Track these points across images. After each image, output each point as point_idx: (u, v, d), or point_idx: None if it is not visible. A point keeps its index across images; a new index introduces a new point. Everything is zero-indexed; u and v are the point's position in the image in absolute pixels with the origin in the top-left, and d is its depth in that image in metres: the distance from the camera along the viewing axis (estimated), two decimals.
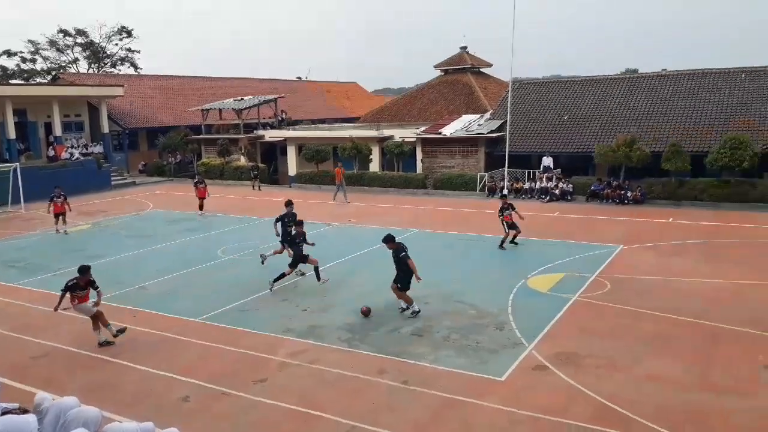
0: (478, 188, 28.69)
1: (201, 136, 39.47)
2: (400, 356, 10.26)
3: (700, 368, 9.49)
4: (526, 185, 27.47)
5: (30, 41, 59.24)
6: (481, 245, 18.47)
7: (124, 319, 12.15)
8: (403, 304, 12.31)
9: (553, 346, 10.45)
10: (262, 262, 15.44)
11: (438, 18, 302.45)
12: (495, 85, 43.76)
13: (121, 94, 39.24)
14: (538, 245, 17.93)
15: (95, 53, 62.64)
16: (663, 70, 32.70)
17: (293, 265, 14.25)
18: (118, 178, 36.82)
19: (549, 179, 26.98)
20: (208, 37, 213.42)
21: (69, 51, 61.68)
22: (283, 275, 14.04)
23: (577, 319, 11.84)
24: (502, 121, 30.77)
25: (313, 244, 14.72)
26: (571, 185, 26.49)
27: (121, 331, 11.16)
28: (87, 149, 37.05)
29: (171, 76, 50.44)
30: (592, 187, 25.96)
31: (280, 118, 42.36)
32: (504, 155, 27.72)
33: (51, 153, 34.52)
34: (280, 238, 15.43)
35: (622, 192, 24.99)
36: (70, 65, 61.25)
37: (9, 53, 57.31)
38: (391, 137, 33.32)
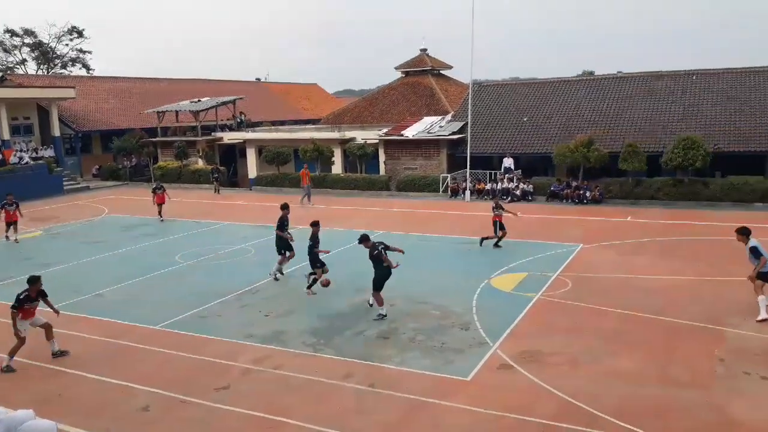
0: (441, 189, 28.86)
1: (157, 139, 38.66)
2: (366, 359, 10.19)
3: (659, 363, 9.70)
4: (488, 186, 27.77)
5: None
6: (445, 246, 18.55)
7: (81, 327, 11.71)
8: (372, 301, 12.32)
9: (517, 345, 10.54)
10: (276, 279, 15.15)
11: (398, 19, 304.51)
12: (456, 87, 44.11)
13: (73, 96, 38.11)
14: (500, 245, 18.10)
15: (44, 54, 60.73)
16: (618, 72, 33.55)
17: (314, 267, 13.94)
18: (71, 182, 35.71)
19: (510, 180, 27.33)
20: (164, 38, 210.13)
21: (16, 51, 59.73)
22: (315, 280, 13.84)
23: (540, 317, 11.99)
24: (463, 122, 31.02)
25: (328, 252, 14.47)
26: (531, 186, 26.88)
27: (62, 353, 10.67)
28: (37, 153, 35.82)
29: (126, 78, 49.30)
30: (551, 188, 26.39)
31: (239, 120, 41.80)
32: (466, 156, 27.98)
33: None
34: (281, 247, 15.23)
35: (581, 192, 25.48)
36: (18, 66, 59.24)
37: None
38: (353, 139, 33.24)
